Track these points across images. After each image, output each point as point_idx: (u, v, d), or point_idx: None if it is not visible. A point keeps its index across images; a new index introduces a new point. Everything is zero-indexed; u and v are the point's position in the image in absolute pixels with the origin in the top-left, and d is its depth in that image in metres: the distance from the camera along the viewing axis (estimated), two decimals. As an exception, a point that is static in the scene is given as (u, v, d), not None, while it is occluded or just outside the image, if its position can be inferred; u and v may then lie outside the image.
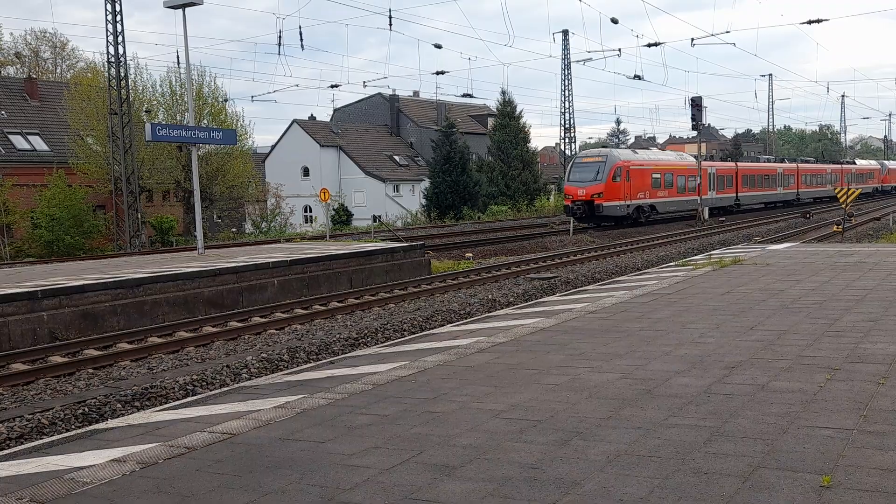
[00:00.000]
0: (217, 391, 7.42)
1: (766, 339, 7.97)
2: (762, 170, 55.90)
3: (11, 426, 8.54)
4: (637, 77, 43.75)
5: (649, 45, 38.23)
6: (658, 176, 42.39)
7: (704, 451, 4.72)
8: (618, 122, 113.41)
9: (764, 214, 51.57)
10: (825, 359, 6.99)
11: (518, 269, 22.48)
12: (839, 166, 70.56)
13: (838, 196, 30.36)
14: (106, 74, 35.08)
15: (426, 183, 56.94)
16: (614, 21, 36.10)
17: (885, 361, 6.80)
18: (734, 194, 50.72)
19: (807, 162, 66.66)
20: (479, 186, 53.62)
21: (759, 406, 5.60)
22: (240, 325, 14.44)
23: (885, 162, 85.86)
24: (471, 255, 27.80)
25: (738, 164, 53.68)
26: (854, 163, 77.73)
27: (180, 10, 19.69)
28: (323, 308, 16.20)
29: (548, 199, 58.50)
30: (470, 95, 45.33)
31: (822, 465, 4.40)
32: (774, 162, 59.96)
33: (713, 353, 7.37)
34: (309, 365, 8.81)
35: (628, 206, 39.47)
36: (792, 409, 5.50)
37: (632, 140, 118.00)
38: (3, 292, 12.81)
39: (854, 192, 29.90)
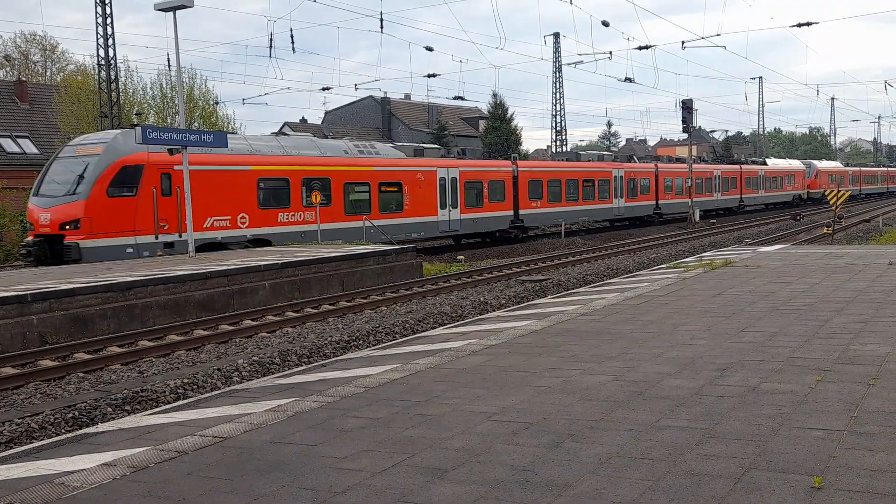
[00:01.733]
0: (208, 394, 7.40)
1: (757, 340, 7.99)
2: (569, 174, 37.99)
3: (1, 430, 8.48)
4: (628, 80, 43.79)
5: (640, 48, 38.29)
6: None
7: (696, 452, 4.73)
8: (609, 124, 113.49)
9: (758, 216, 51.77)
10: (816, 360, 7.01)
11: (509, 271, 22.50)
12: (736, 167, 55.78)
13: (828, 198, 30.50)
14: (96, 77, 34.94)
15: (417, 185, 56.64)
16: (605, 24, 36.16)
17: (876, 363, 6.83)
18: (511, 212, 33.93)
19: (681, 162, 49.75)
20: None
21: (751, 407, 5.61)
22: (231, 328, 14.40)
23: (815, 162, 69.80)
24: (462, 257, 27.80)
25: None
26: (764, 163, 61.18)
27: (171, 13, 19.65)
28: (314, 311, 16.17)
29: None
30: (461, 98, 45.26)
31: (814, 466, 4.42)
32: (613, 161, 44.17)
33: (704, 355, 7.39)
34: (300, 368, 8.78)
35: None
36: (783, 410, 5.52)
37: (622, 143, 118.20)
38: (-7, 296, 12.73)
39: (844, 194, 30.04)
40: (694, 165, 45.84)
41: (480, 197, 31.74)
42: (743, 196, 56.10)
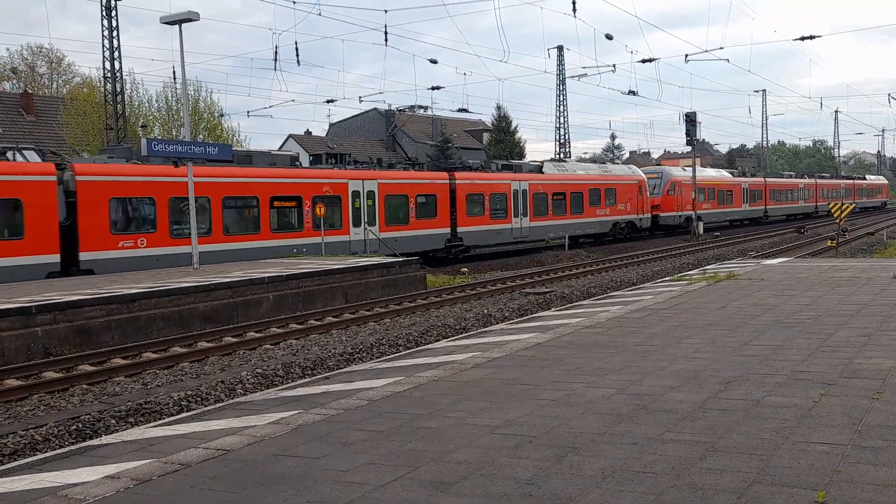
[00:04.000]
0: (212, 407, 7.41)
1: (760, 354, 7.98)
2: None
3: (4, 442, 8.49)
4: (632, 92, 43.88)
5: (644, 61, 38.40)
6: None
7: (699, 466, 4.72)
8: (613, 136, 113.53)
9: (760, 229, 51.74)
10: (820, 374, 7.00)
11: (513, 283, 22.50)
12: (588, 177, 39.02)
13: (832, 211, 30.50)
14: (102, 90, 35.11)
15: (420, 198, 56.65)
16: (608, 37, 36.27)
17: (880, 376, 6.81)
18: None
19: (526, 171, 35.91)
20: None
21: (754, 421, 5.60)
22: (235, 340, 14.41)
23: (672, 170, 50.68)
24: (466, 269, 27.80)
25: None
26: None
27: (177, 26, 19.77)
28: (318, 323, 16.18)
29: None
30: (465, 110, 45.41)
31: (817, 480, 4.41)
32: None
33: (708, 369, 7.38)
34: (304, 380, 8.79)
35: None
36: (787, 424, 5.51)
37: (626, 155, 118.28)
38: (-2, 307, 12.77)
39: (847, 207, 30.04)
40: (472, 175, 32.67)
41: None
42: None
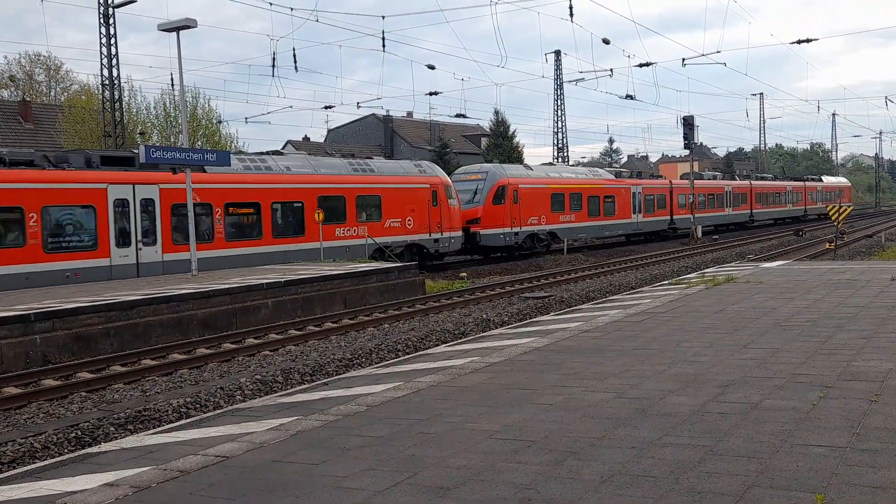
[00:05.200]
0: (211, 413, 7.41)
1: (759, 357, 7.99)
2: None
3: (3, 450, 8.48)
4: (629, 97, 43.96)
5: (641, 66, 38.52)
6: None
7: (698, 470, 4.73)
8: (611, 140, 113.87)
9: (762, 232, 51.71)
10: (818, 377, 7.01)
11: (512, 288, 22.50)
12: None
13: (830, 214, 30.54)
14: (100, 97, 35.14)
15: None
16: (606, 42, 36.35)
17: (878, 379, 6.82)
18: None
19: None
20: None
21: (753, 425, 5.61)
22: (234, 346, 14.40)
23: (507, 167, 36.07)
24: (465, 274, 27.81)
25: None
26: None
27: (174, 33, 19.79)
28: (317, 329, 16.17)
29: None
30: (463, 116, 45.43)
31: (816, 483, 4.41)
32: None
33: (707, 372, 7.38)
34: (303, 386, 8.79)
35: None
36: (785, 427, 5.51)
37: (624, 159, 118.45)
38: (-4, 315, 12.76)
39: (846, 209, 30.08)
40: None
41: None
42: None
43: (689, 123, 43.22)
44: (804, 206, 66.76)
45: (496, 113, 59.71)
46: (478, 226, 31.68)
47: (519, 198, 33.13)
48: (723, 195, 52.45)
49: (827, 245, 30.64)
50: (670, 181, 47.81)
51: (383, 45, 30.63)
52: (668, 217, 45.79)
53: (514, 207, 32.90)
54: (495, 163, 38.86)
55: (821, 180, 74.42)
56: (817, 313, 10.79)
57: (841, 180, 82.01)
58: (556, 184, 36.46)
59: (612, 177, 41.83)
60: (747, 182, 57.81)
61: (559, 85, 54.68)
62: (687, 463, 4.85)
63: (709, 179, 53.56)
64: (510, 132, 59.45)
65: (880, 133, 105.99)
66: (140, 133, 40.10)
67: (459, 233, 30.12)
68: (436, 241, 28.80)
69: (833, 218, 30.09)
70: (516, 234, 32.98)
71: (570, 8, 30.85)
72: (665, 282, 17.86)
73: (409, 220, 27.90)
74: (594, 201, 38.66)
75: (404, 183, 28.19)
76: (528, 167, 36.77)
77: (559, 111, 55.30)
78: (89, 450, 6.19)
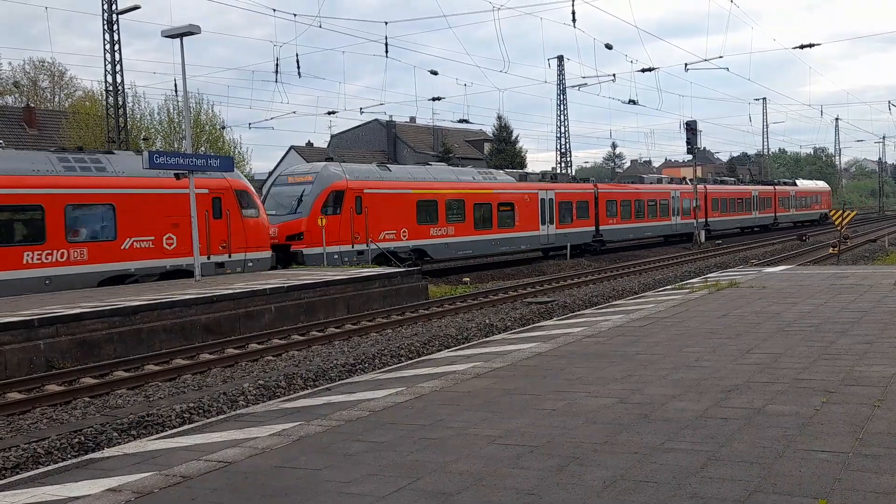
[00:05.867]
0: (214, 419, 7.41)
1: (762, 362, 7.98)
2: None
3: (7, 456, 8.50)
4: (632, 102, 43.99)
5: (644, 71, 38.52)
6: None
7: (701, 475, 4.72)
8: (614, 145, 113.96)
9: (765, 237, 51.56)
10: (821, 382, 7.00)
11: (515, 293, 22.50)
12: None
13: (833, 219, 30.52)
14: (104, 103, 35.25)
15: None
16: (608, 47, 36.39)
17: (881, 384, 6.81)
18: None
19: None
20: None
21: (756, 430, 5.60)
22: (237, 351, 14.42)
23: (333, 167, 27.14)
24: (468, 279, 27.81)
25: None
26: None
27: (178, 40, 19.86)
28: (320, 334, 16.18)
29: None
30: (466, 121, 45.51)
31: (819, 488, 4.40)
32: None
33: (710, 377, 7.38)
34: (306, 392, 8.80)
35: None
36: (788, 432, 5.50)
37: (627, 164, 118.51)
38: (0, 321, 12.79)
39: (850, 213, 30.04)
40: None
41: None
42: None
43: (692, 128, 43.23)
44: (774, 213, 60.08)
45: (499, 118, 59.91)
46: (301, 242, 24.72)
47: (366, 206, 26.29)
48: (668, 202, 44.75)
49: (830, 250, 30.60)
50: (595, 185, 40.02)
51: (386, 51, 30.74)
52: (593, 227, 38.37)
53: (359, 219, 26.06)
54: (337, 161, 28.86)
55: (795, 184, 66.97)
56: (820, 318, 10.78)
57: (819, 184, 74.87)
58: (426, 188, 29.19)
59: (514, 179, 34.54)
60: (702, 186, 49.23)
61: (562, 90, 54.71)
62: (689, 468, 4.85)
63: (651, 184, 45.68)
64: (513, 137, 59.52)
65: (883, 137, 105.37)
66: (144, 139, 40.19)
67: (265, 253, 22.97)
68: (220, 265, 21.61)
69: (836, 223, 30.07)
70: (360, 252, 26.05)
71: (573, 13, 30.87)
72: (668, 287, 17.85)
73: (168, 238, 20.43)
74: (483, 210, 31.53)
75: (153, 187, 20.11)
76: (383, 167, 29.53)
77: (562, 116, 55.33)
78: (92, 455, 6.19)
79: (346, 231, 25.66)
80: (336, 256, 25.21)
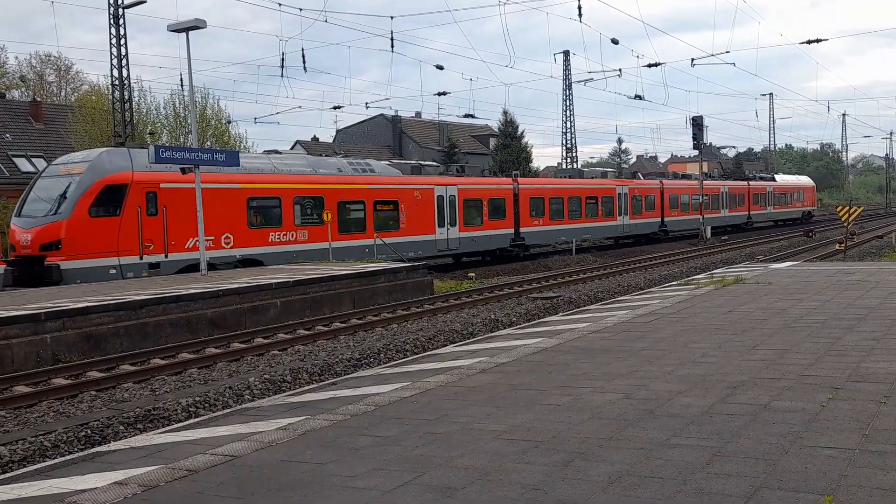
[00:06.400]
0: (220, 413, 7.43)
1: (768, 358, 7.96)
2: None
3: (14, 448, 8.54)
4: (638, 97, 43.91)
5: (650, 66, 38.47)
6: None
7: (706, 471, 4.72)
8: (620, 141, 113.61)
9: (769, 232, 51.42)
10: (827, 378, 6.98)
11: (520, 288, 22.49)
12: None
13: (840, 215, 30.43)
14: (110, 97, 35.31)
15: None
16: (615, 42, 36.37)
17: (888, 381, 6.79)
18: None
19: None
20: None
21: (761, 426, 5.59)
22: (243, 346, 14.45)
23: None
24: (473, 274, 27.81)
25: None
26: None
27: (184, 34, 19.86)
28: (326, 329, 16.20)
29: None
30: (472, 116, 45.53)
31: (825, 485, 4.40)
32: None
33: (715, 373, 7.36)
34: (311, 386, 8.81)
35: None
36: (794, 428, 5.49)
37: (633, 159, 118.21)
38: (7, 314, 12.84)
39: (857, 210, 29.95)
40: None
41: None
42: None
43: (698, 124, 43.14)
44: (747, 212, 55.37)
45: (505, 113, 59.79)
46: (57, 254, 19.18)
47: (163, 205, 20.75)
48: (612, 199, 39.85)
49: (837, 246, 30.52)
50: (516, 179, 34.63)
51: (392, 46, 30.68)
52: (512, 230, 33.26)
53: (152, 221, 20.49)
54: (131, 147, 22.13)
55: (773, 179, 62.60)
56: (827, 314, 10.75)
57: (801, 179, 70.14)
58: (263, 182, 23.59)
59: (400, 172, 29.10)
60: (657, 181, 44.93)
61: (568, 85, 54.62)
62: (695, 464, 4.84)
63: (593, 178, 41.17)
64: (519, 132, 59.44)
65: (891, 133, 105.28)
66: (150, 133, 40.24)
67: None
68: None
69: (843, 219, 29.99)
70: (154, 265, 20.65)
71: (579, 8, 30.97)
72: (674, 282, 17.82)
73: None
74: (352, 210, 26.29)
75: None
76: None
77: (568, 111, 55.24)
78: (98, 448, 6.22)
79: (131, 237, 20.08)
80: (113, 271, 19.76)
